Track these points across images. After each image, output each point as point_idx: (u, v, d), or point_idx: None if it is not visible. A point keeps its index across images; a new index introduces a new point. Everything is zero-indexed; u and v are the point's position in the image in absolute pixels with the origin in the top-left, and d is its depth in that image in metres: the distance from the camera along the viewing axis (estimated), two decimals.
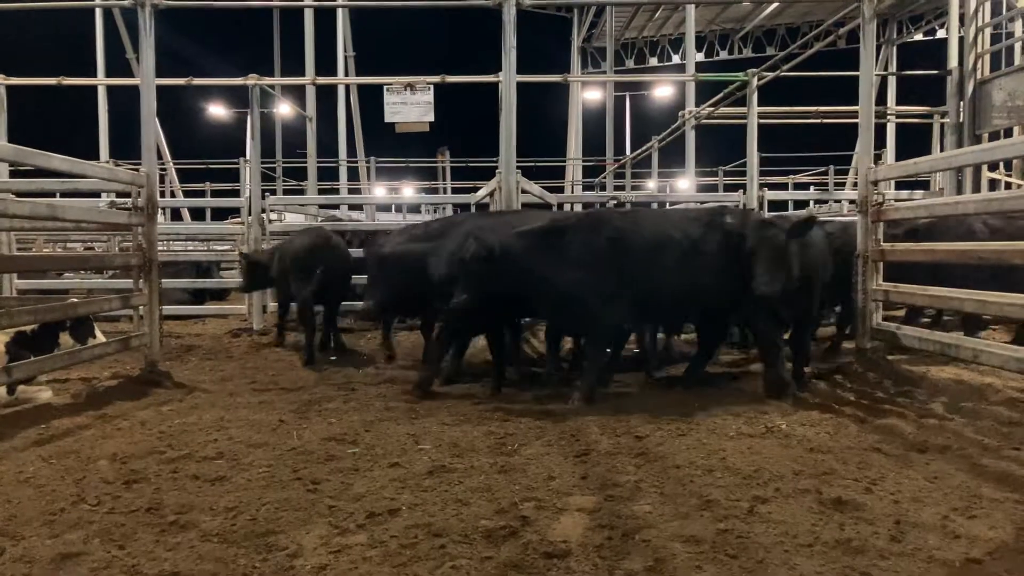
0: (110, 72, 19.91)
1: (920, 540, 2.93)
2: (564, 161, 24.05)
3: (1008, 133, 11.14)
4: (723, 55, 27.25)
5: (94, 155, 17.79)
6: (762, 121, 10.40)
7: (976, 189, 10.82)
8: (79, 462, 4.06)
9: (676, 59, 27.03)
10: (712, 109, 11.58)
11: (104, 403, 5.50)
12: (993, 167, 11.63)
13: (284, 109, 20.45)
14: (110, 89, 18.47)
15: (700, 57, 25.52)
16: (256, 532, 3.07)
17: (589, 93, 24.33)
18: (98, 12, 19.77)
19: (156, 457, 4.13)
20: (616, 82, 23.90)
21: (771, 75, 9.71)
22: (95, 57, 19.86)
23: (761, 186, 11.09)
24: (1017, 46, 11.80)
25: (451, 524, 3.12)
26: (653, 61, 28.02)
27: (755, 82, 9.69)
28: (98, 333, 6.49)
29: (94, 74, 19.08)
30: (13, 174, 12.02)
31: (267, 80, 11.70)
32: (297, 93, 20.00)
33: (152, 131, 6.71)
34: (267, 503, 3.37)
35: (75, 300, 6.13)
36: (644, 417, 4.94)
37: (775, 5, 22.69)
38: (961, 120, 11.43)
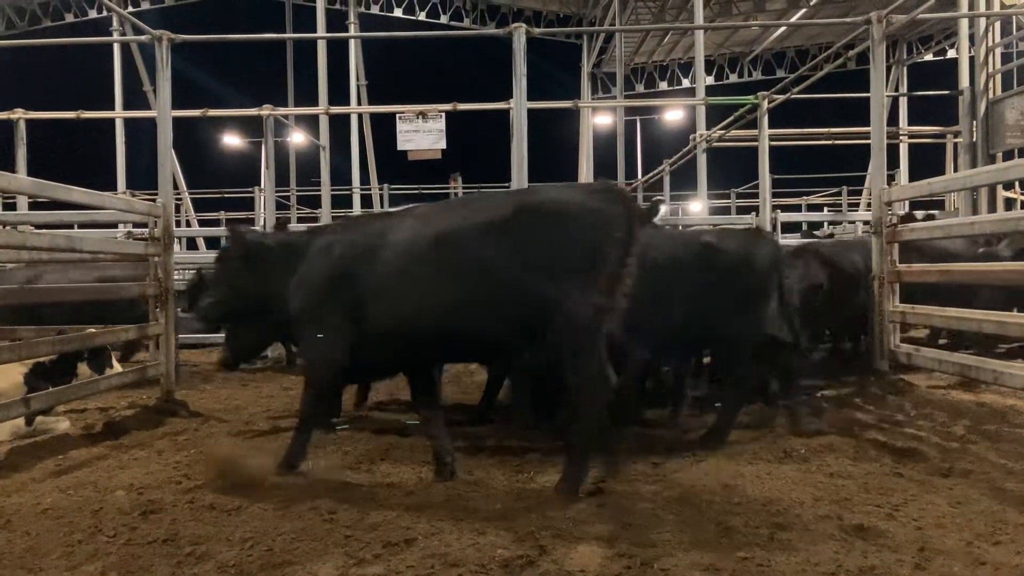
0: (127, 104, 20.25)
1: (945, 567, 2.88)
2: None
3: (1022, 152, 11.09)
4: (733, 78, 27.39)
5: (111, 186, 18.03)
6: (773, 143, 10.41)
7: (992, 209, 10.76)
8: (96, 493, 4.07)
9: (686, 83, 27.20)
10: (723, 132, 11.62)
11: (121, 433, 5.51)
12: (1008, 186, 11.56)
13: (298, 138, 20.69)
14: (127, 121, 18.76)
15: (710, 81, 25.66)
16: (272, 563, 3.06)
17: (600, 118, 24.45)
18: (116, 47, 20.16)
19: (173, 487, 4.13)
20: (626, 107, 24.02)
21: (781, 97, 9.73)
22: (113, 90, 20.22)
23: (774, 208, 11.09)
24: None
25: (468, 554, 3.09)
26: (663, 85, 28.19)
27: (765, 105, 9.72)
28: (115, 363, 6.54)
29: (112, 107, 19.41)
30: (32, 206, 12.20)
31: (281, 110, 11.87)
32: (311, 122, 20.24)
33: (168, 162, 6.81)
34: (283, 533, 3.36)
35: (92, 330, 6.18)
36: (660, 443, 4.89)
37: (784, 28, 22.85)
38: (974, 140, 11.40)
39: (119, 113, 18.35)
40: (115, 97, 20.31)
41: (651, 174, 17.05)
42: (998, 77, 11.21)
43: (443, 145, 9.82)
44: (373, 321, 4.16)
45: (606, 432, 3.98)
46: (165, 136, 6.74)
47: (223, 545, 3.25)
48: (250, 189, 19.15)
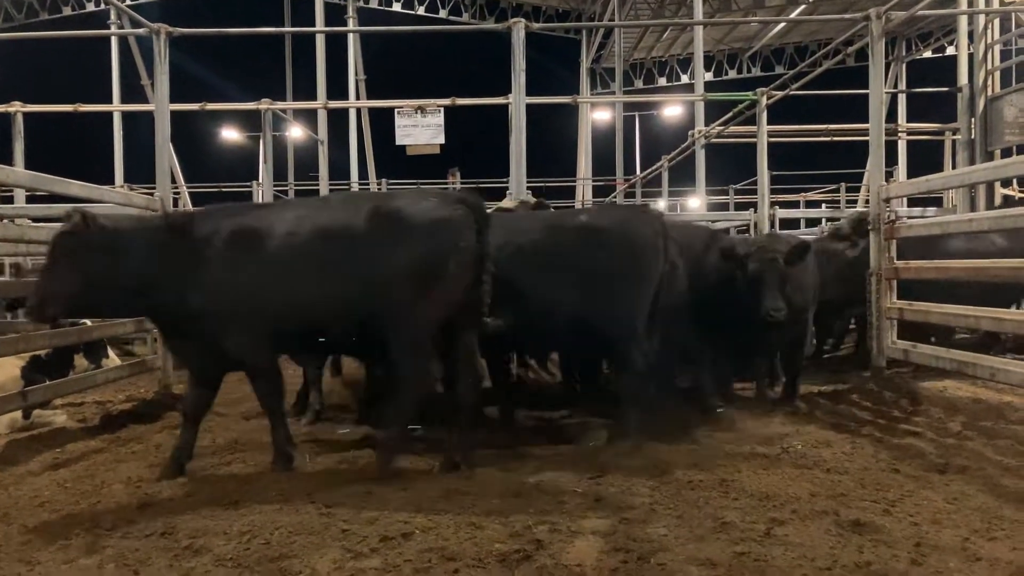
0: (125, 98, 20.18)
1: (941, 563, 2.89)
2: (574, 181, 24.12)
3: (1020, 149, 11.09)
4: (732, 74, 27.37)
5: (109, 180, 17.96)
6: (772, 140, 10.39)
7: (990, 206, 10.76)
8: (93, 486, 4.07)
9: (685, 79, 27.17)
10: (722, 128, 11.61)
11: (118, 427, 5.52)
12: (1006, 183, 11.57)
13: (296, 133, 20.63)
14: (125, 115, 18.71)
15: (709, 77, 25.64)
16: (270, 556, 3.06)
17: (598, 113, 24.44)
18: (114, 40, 20.09)
19: (170, 481, 4.13)
20: (625, 102, 24.00)
21: (780, 94, 9.73)
22: (110, 83, 20.16)
23: (772, 204, 11.08)
24: None
25: (465, 548, 3.10)
26: (662, 81, 28.16)
27: (764, 101, 9.71)
28: (112, 355, 6.54)
29: (109, 100, 19.34)
30: (29, 199, 12.18)
31: (279, 104, 11.85)
32: (309, 117, 20.20)
33: (166, 156, 6.80)
34: (281, 527, 3.36)
35: (89, 324, 6.17)
36: (657, 439, 4.90)
37: (783, 25, 22.83)
38: (973, 137, 11.40)
39: (117, 106, 18.28)
40: (113, 90, 20.24)
41: (649, 170, 17.05)
42: (997, 74, 11.20)
43: (442, 140, 9.79)
44: (259, 307, 4.17)
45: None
46: (163, 129, 6.74)
47: (221, 538, 3.25)
48: (248, 183, 19.08)
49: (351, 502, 3.70)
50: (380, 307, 4.09)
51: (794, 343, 6.00)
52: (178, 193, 19.47)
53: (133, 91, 21.14)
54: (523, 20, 7.10)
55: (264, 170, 12.27)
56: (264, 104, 10.58)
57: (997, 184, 10.99)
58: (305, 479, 4.14)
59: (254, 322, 4.18)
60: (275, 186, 13.07)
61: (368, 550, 3.11)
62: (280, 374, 4.47)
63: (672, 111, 24.23)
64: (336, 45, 20.98)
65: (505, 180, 10.96)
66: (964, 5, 11.71)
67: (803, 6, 20.68)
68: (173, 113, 7.09)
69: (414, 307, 4.09)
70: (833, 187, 19.52)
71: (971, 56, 11.60)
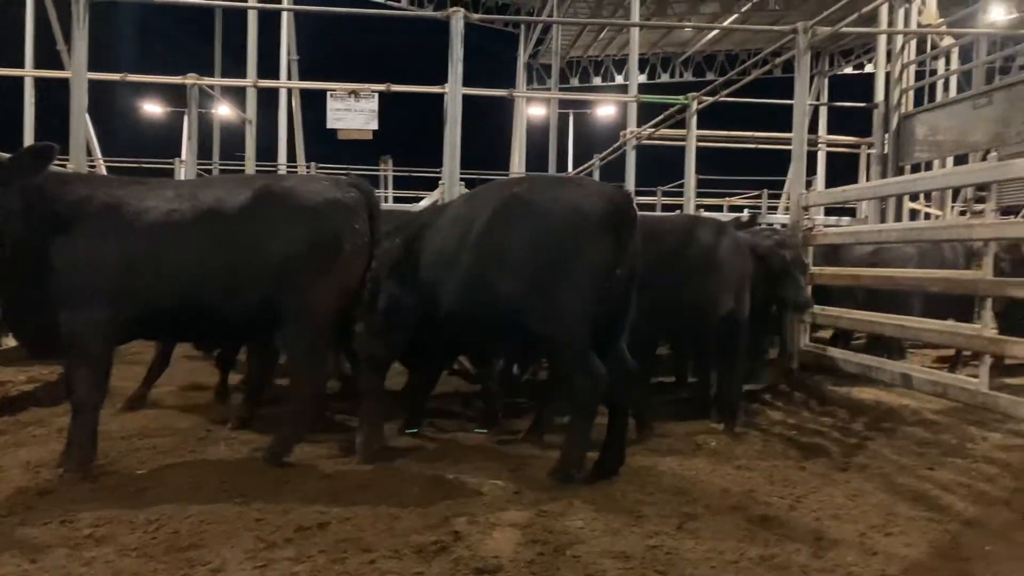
0: (39, 63, 19.12)
1: (839, 557, 3.03)
2: (507, 175, 24.17)
3: (928, 166, 11.68)
4: (665, 78, 27.92)
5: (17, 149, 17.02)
6: (700, 144, 10.66)
7: (898, 218, 11.30)
8: None
9: (620, 79, 27.55)
10: (653, 130, 11.82)
11: (18, 408, 5.24)
12: (914, 197, 12.16)
13: (223, 110, 19.99)
14: (38, 81, 17.73)
15: (643, 79, 26.05)
16: (178, 546, 2.97)
17: (534, 109, 24.52)
18: (29, 1, 19.01)
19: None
20: (560, 99, 24.17)
21: (710, 99, 9.98)
22: (23, 47, 19.07)
23: (697, 207, 11.35)
24: (939, 83, 12.42)
25: (381, 538, 3.08)
26: (597, 80, 28.49)
27: (695, 106, 9.95)
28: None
29: (22, 65, 18.30)
30: None
31: (206, 80, 11.45)
32: (237, 95, 19.57)
33: (82, 126, 6.51)
34: (190, 516, 3.27)
35: None
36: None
37: (715, 32, 23.40)
38: (886, 152, 11.93)
39: (29, 71, 17.31)
40: (26, 54, 19.15)
41: (581, 168, 17.22)
42: (911, 93, 11.74)
43: (375, 126, 9.64)
44: (128, 287, 3.84)
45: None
46: (79, 98, 6.44)
47: (125, 527, 3.13)
48: (170, 160, 18.37)
49: (266, 492, 3.63)
50: (273, 292, 3.95)
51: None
52: (94, 166, 18.58)
53: (48, 56, 20.05)
54: (462, 10, 7.05)
55: (187, 147, 11.83)
56: (190, 79, 10.20)
57: (906, 197, 11.54)
58: (219, 468, 4.03)
59: (98, 301, 3.76)
60: (199, 165, 12.61)
61: (282, 540, 3.05)
62: (109, 368, 3.95)
63: (605, 111, 24.53)
64: (269, 22, 20.38)
65: (438, 171, 10.90)
66: (884, 25, 12.22)
67: (735, 15, 21.26)
68: (91, 82, 6.77)
69: (310, 292, 3.98)
70: (755, 193, 20.15)
71: (888, 75, 12.13)
